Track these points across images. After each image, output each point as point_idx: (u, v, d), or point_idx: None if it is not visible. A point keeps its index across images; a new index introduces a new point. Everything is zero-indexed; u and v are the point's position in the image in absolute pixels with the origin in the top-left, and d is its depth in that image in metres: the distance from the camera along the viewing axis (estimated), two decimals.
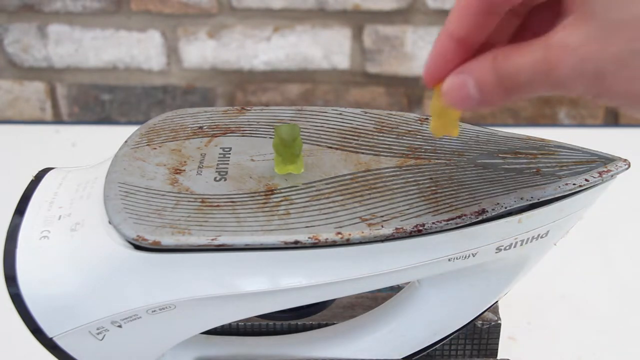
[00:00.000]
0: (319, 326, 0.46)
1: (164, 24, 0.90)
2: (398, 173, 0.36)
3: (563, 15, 0.28)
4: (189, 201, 0.35)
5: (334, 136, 0.39)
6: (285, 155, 0.36)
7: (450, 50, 0.31)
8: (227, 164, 0.37)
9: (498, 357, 0.47)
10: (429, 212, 0.34)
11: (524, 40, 0.29)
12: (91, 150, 0.67)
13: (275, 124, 0.40)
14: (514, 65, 0.28)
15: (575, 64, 0.27)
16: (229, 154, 0.38)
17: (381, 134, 0.39)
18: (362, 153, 0.38)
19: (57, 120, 0.96)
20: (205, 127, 0.40)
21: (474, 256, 0.36)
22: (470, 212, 0.34)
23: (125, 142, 0.39)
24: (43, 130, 0.89)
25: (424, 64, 0.32)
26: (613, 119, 0.93)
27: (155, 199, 0.35)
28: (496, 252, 0.36)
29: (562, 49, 0.27)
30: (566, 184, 0.35)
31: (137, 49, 0.91)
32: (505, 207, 0.34)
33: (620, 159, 0.37)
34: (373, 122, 0.40)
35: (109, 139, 0.49)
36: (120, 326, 0.35)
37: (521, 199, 0.34)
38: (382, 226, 0.33)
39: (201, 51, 0.91)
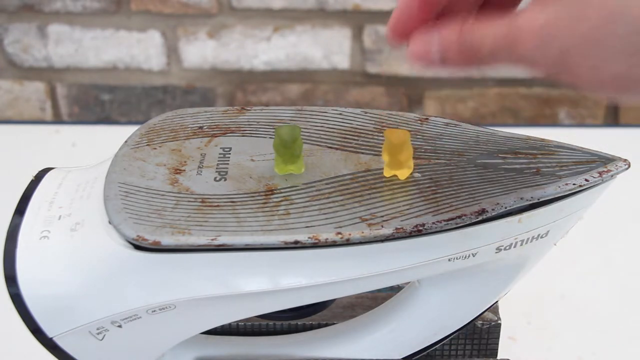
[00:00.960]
0: (319, 326, 0.46)
1: (164, 24, 0.90)
2: None
3: None
4: (189, 201, 0.35)
5: (334, 136, 0.39)
6: (286, 156, 0.36)
7: (415, 6, 0.32)
8: (227, 164, 0.37)
9: (498, 357, 0.47)
10: (429, 212, 0.34)
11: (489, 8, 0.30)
12: (91, 150, 0.67)
13: (275, 124, 0.40)
14: (478, 36, 0.29)
15: (540, 43, 0.27)
16: (229, 154, 0.38)
17: (381, 134, 0.39)
18: (362, 153, 0.38)
19: (57, 120, 0.96)
20: (205, 127, 0.40)
21: (474, 256, 0.36)
22: (470, 212, 0.34)
23: (125, 142, 0.39)
24: (43, 130, 0.89)
25: (389, 20, 0.33)
26: (613, 119, 0.93)
27: (155, 199, 0.35)
28: (496, 252, 0.36)
29: (528, 24, 0.27)
30: (566, 184, 0.35)
31: (137, 49, 0.91)
32: (505, 207, 0.34)
33: (620, 159, 0.37)
34: (373, 122, 0.40)
35: (109, 139, 0.49)
36: (120, 326, 0.35)
37: (521, 199, 0.34)
38: (382, 226, 0.33)
39: (201, 51, 0.91)
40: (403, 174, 0.36)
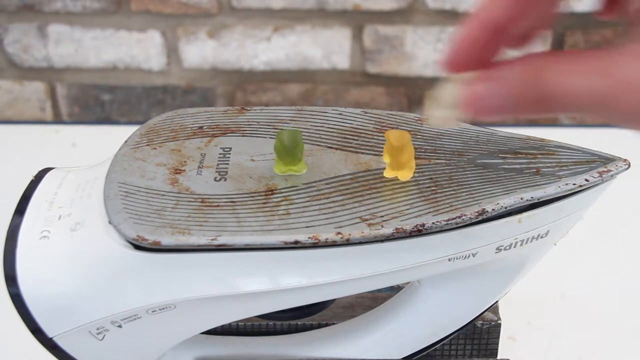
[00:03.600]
0: (319, 326, 0.46)
1: (164, 24, 0.90)
2: None
3: (631, 24, 0.22)
4: (189, 201, 0.35)
5: (334, 136, 0.39)
6: (287, 159, 0.36)
7: (483, 36, 0.26)
8: (227, 164, 0.37)
9: (498, 357, 0.47)
10: (429, 212, 0.34)
11: None
12: (91, 150, 0.67)
13: (275, 124, 0.40)
14: (564, 84, 0.23)
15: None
16: (229, 154, 0.38)
17: (381, 134, 0.39)
18: (362, 153, 0.38)
19: (57, 120, 0.96)
20: (205, 127, 0.40)
21: (474, 256, 0.36)
22: (470, 212, 0.34)
23: (125, 142, 0.39)
24: (43, 130, 0.89)
25: (448, 48, 0.27)
26: None
27: (155, 199, 0.35)
28: (496, 252, 0.36)
29: (635, 79, 0.22)
30: (566, 184, 0.35)
31: (137, 49, 0.91)
32: (505, 207, 0.34)
33: (620, 159, 0.37)
34: (373, 122, 0.40)
35: (109, 139, 0.49)
36: (120, 326, 0.35)
37: (521, 199, 0.34)
38: (382, 226, 0.33)
39: (201, 51, 0.91)
40: (405, 174, 0.36)
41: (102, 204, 0.35)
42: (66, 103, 0.95)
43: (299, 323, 0.46)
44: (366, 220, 0.34)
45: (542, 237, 0.37)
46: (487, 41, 0.26)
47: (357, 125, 0.40)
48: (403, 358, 0.43)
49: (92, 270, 0.34)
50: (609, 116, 0.23)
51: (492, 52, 0.26)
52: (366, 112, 0.41)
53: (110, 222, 0.34)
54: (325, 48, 0.89)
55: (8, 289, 0.35)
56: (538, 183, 0.35)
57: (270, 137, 0.39)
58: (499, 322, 0.45)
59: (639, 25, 0.22)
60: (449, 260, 0.35)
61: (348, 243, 0.33)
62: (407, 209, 0.34)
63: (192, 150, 0.38)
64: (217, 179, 0.36)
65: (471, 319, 0.42)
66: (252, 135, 0.39)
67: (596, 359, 0.56)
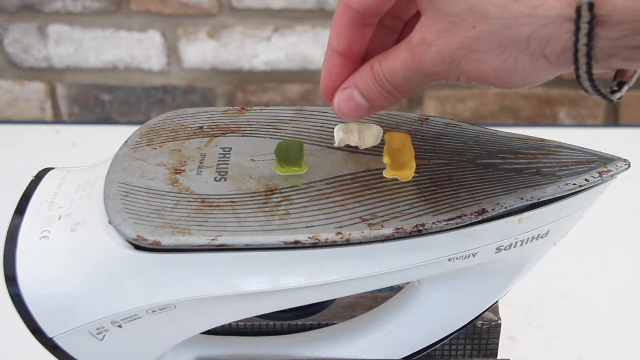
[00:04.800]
0: (319, 326, 0.46)
1: (164, 24, 0.90)
2: None
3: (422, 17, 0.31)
4: (189, 201, 0.35)
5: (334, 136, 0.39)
6: (287, 167, 0.36)
7: (338, 64, 0.34)
8: (227, 164, 0.37)
9: (498, 357, 0.47)
10: (429, 212, 0.34)
11: None
12: (91, 150, 0.67)
13: (275, 124, 0.40)
14: (388, 69, 0.32)
15: (435, 56, 0.30)
16: (229, 154, 0.38)
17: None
18: (362, 153, 0.38)
19: (57, 120, 0.96)
20: (205, 127, 0.40)
21: (474, 256, 0.36)
22: (470, 212, 0.34)
23: (125, 142, 0.39)
24: (43, 130, 0.89)
25: (321, 84, 0.35)
26: (613, 119, 0.93)
27: (155, 199, 0.35)
28: (496, 252, 0.36)
29: (422, 46, 0.30)
30: (566, 184, 0.35)
31: (137, 49, 0.91)
32: (505, 207, 0.34)
33: (620, 159, 0.37)
34: (373, 122, 0.40)
35: (109, 139, 0.49)
36: (120, 326, 0.35)
37: (521, 199, 0.34)
38: (382, 226, 0.33)
39: (201, 51, 0.91)
40: (405, 175, 0.36)
41: (102, 204, 0.35)
42: (66, 103, 0.95)
43: (299, 323, 0.46)
44: (366, 220, 0.34)
45: (542, 237, 0.37)
46: (341, 67, 0.34)
47: None
48: (403, 358, 0.43)
49: (92, 270, 0.34)
50: (424, 76, 0.31)
51: (350, 73, 0.34)
52: None
53: (110, 222, 0.34)
54: (325, 48, 0.89)
55: (8, 289, 0.35)
56: (538, 183, 0.35)
57: (270, 137, 0.39)
58: (499, 322, 0.45)
59: (424, 15, 0.31)
60: (449, 260, 0.35)
61: (348, 243, 0.33)
62: (407, 209, 0.34)
63: (192, 150, 0.38)
64: (217, 179, 0.36)
65: (471, 319, 0.42)
66: (252, 135, 0.39)
67: (596, 358, 0.56)
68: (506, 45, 0.29)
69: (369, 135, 0.38)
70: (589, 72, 0.28)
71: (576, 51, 0.28)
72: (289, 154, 0.36)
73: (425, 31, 0.30)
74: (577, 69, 0.28)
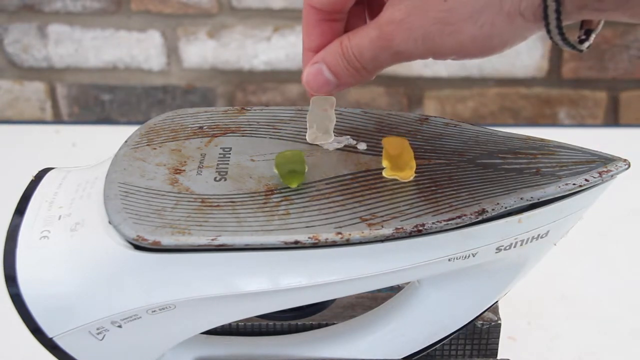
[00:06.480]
0: (319, 326, 0.46)
1: (164, 24, 0.90)
2: None
3: None
4: (189, 201, 0.35)
5: (334, 136, 0.39)
6: (291, 179, 0.36)
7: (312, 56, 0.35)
8: (227, 164, 0.37)
9: (498, 357, 0.47)
10: (429, 212, 0.34)
11: None
12: (91, 150, 0.67)
13: (275, 124, 0.40)
14: (356, 46, 0.32)
15: (406, 34, 0.31)
16: (229, 154, 0.38)
17: (381, 134, 0.39)
18: (362, 153, 0.38)
19: (57, 120, 0.96)
20: (205, 127, 0.40)
21: (474, 256, 0.36)
22: (470, 212, 0.34)
23: (125, 142, 0.39)
24: (43, 130, 0.89)
25: (303, 76, 0.36)
26: (613, 119, 0.93)
27: (155, 199, 0.35)
28: (496, 252, 0.36)
29: (392, 25, 0.31)
30: (566, 184, 0.35)
31: (137, 49, 0.91)
32: (505, 207, 0.34)
33: (620, 159, 0.37)
34: (373, 122, 0.40)
35: (109, 139, 0.49)
36: (120, 326, 0.35)
37: (521, 199, 0.34)
38: (382, 226, 0.33)
39: (201, 51, 0.91)
40: (405, 175, 0.36)
41: (102, 204, 0.35)
42: (66, 103, 0.95)
43: (299, 323, 0.46)
44: (366, 220, 0.33)
45: (542, 237, 0.37)
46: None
47: (357, 125, 0.40)
48: (403, 358, 0.43)
49: (92, 270, 0.34)
50: (394, 55, 0.32)
51: None
52: (366, 112, 0.41)
53: (110, 222, 0.34)
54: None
55: (8, 289, 0.35)
56: (538, 183, 0.35)
57: (270, 137, 0.39)
58: (499, 322, 0.45)
59: None
60: (449, 260, 0.35)
61: (348, 243, 0.33)
62: (407, 209, 0.34)
63: (192, 150, 0.38)
64: (217, 179, 0.36)
65: (471, 319, 0.42)
66: (252, 135, 0.39)
67: (596, 359, 0.56)
68: (480, 10, 0.29)
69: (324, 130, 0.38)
70: (559, 27, 0.29)
71: (545, 7, 0.28)
72: (293, 166, 0.36)
73: (394, 10, 0.31)
74: (547, 24, 0.29)
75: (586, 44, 0.31)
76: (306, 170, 0.36)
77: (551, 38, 0.29)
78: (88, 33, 0.91)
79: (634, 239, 0.68)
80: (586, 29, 0.31)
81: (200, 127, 0.40)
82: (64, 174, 0.39)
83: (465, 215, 0.34)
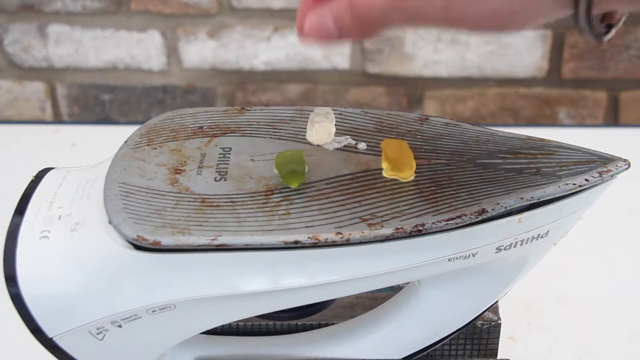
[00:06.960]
0: (319, 326, 0.46)
1: (164, 24, 0.90)
2: None
3: None
4: (189, 201, 0.35)
5: (334, 136, 0.39)
6: (292, 179, 0.36)
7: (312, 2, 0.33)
8: (227, 164, 0.37)
9: (498, 357, 0.47)
10: (429, 212, 0.34)
11: None
12: (91, 150, 0.67)
13: (275, 124, 0.40)
14: (367, 1, 0.30)
15: None
16: (229, 154, 0.38)
17: (381, 134, 0.39)
18: (362, 153, 0.38)
19: (57, 120, 0.96)
20: (205, 127, 0.40)
21: (474, 256, 0.36)
22: (470, 212, 0.34)
23: (125, 142, 0.39)
24: (43, 130, 0.89)
25: (305, 25, 0.33)
26: (613, 119, 0.93)
27: (155, 199, 0.35)
28: (496, 252, 0.36)
29: None
30: (566, 184, 0.35)
31: (137, 49, 0.91)
32: (505, 207, 0.34)
33: (620, 159, 0.37)
34: (373, 122, 0.40)
35: (109, 139, 0.49)
36: (120, 326, 0.35)
37: (521, 199, 0.34)
38: (382, 226, 0.33)
39: (201, 51, 0.91)
40: (406, 175, 0.36)
41: (102, 204, 0.35)
42: (66, 103, 0.95)
43: (299, 323, 0.46)
44: (366, 220, 0.34)
45: (542, 237, 0.37)
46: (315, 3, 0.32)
47: (357, 125, 0.40)
48: (403, 358, 0.43)
49: (92, 270, 0.34)
50: (404, 16, 0.29)
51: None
52: (366, 112, 0.41)
53: (110, 222, 0.34)
54: (325, 48, 0.89)
55: (8, 289, 0.35)
56: (538, 183, 0.35)
57: (270, 137, 0.39)
58: (499, 322, 0.45)
59: None
60: (449, 260, 0.35)
61: (348, 243, 0.33)
62: (407, 209, 0.34)
63: (192, 150, 0.38)
64: (217, 179, 0.36)
65: (471, 319, 0.42)
66: (252, 135, 0.39)
67: (596, 358, 0.56)
68: None
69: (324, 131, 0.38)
70: (588, 10, 0.27)
71: None
72: (293, 166, 0.36)
73: None
74: (576, 5, 0.27)
75: (607, 37, 0.30)
76: (306, 170, 0.36)
77: (577, 23, 0.28)
78: (88, 33, 0.91)
79: (634, 239, 0.68)
80: (608, 23, 0.30)
81: (200, 127, 0.40)
82: (64, 174, 0.39)
83: (465, 215, 0.34)
